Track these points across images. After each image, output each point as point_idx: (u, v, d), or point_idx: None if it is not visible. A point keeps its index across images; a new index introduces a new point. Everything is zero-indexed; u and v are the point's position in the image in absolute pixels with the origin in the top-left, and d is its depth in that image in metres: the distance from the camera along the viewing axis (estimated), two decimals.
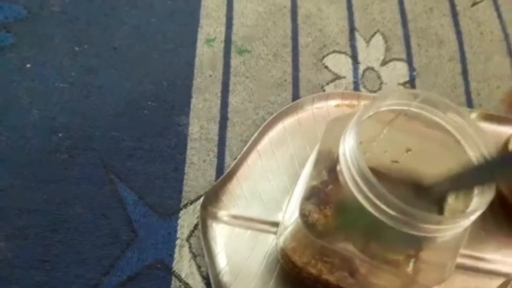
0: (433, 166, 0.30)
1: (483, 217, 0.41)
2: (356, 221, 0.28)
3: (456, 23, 0.54)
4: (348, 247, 0.28)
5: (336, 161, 0.26)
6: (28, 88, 0.41)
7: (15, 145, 0.38)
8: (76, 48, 0.44)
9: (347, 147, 0.25)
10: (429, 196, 0.26)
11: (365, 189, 0.24)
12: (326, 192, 0.30)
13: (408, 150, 0.31)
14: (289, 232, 0.33)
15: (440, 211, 0.29)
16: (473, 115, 0.45)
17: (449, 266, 0.28)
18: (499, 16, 0.55)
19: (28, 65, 0.42)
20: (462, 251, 0.39)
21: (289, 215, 0.35)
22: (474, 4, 0.56)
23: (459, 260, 0.38)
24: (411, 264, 0.29)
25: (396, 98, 0.27)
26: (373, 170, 0.24)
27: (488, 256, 0.40)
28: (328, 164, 0.29)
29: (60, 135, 0.39)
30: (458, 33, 0.53)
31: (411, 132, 0.29)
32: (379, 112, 0.27)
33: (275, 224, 0.38)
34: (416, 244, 0.28)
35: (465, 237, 0.27)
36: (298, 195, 0.32)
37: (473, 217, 0.24)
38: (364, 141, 0.31)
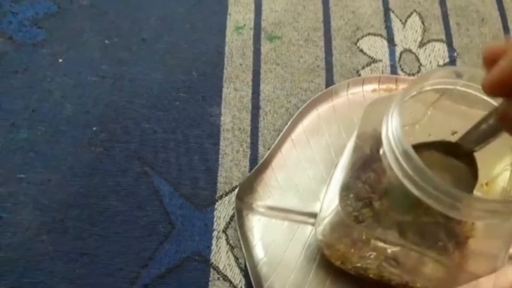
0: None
1: None
2: (401, 206, 0.27)
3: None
4: (389, 235, 0.28)
5: (377, 144, 0.26)
6: (61, 82, 0.42)
7: (51, 139, 0.40)
8: (106, 42, 0.45)
9: (390, 130, 0.24)
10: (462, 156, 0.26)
11: (410, 172, 0.23)
12: (367, 179, 0.30)
13: (454, 132, 0.30)
14: (328, 221, 0.33)
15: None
16: None
17: (502, 256, 0.27)
18: None
19: (60, 60, 0.43)
20: None
21: (327, 205, 0.35)
22: None
23: None
24: (458, 252, 0.28)
25: (440, 77, 0.26)
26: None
27: None
28: (368, 148, 0.29)
29: (94, 128, 0.40)
30: (501, 9, 0.51)
31: (455, 113, 0.29)
32: (422, 92, 0.27)
33: (313, 215, 0.38)
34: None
35: None
36: (336, 184, 0.32)
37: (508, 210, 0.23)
38: (407, 124, 0.30)
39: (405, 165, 0.23)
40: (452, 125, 0.30)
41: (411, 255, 0.31)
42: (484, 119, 0.24)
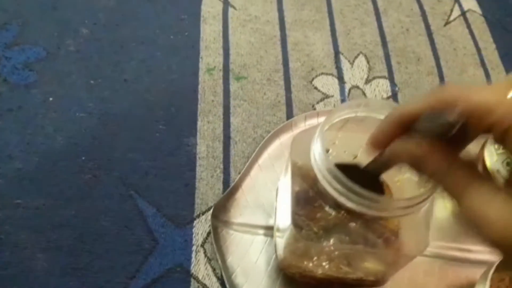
0: None
1: None
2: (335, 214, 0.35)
3: (432, 42, 0.63)
4: (336, 243, 0.35)
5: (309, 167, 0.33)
6: (52, 118, 0.49)
7: (45, 168, 0.46)
8: (92, 82, 0.52)
9: (315, 153, 0.31)
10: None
11: (331, 180, 0.30)
12: (309, 197, 0.36)
13: (354, 156, 0.38)
14: (285, 238, 0.39)
15: None
16: None
17: (426, 237, 0.34)
18: (471, 33, 0.65)
19: (51, 99, 0.50)
20: (453, 244, 0.46)
21: (279, 216, 0.42)
22: (446, 23, 0.65)
23: (451, 253, 0.46)
24: (392, 243, 0.35)
25: (344, 109, 0.34)
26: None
27: (475, 247, 0.47)
28: (303, 171, 0.36)
29: (83, 158, 0.47)
30: (434, 50, 0.62)
31: (362, 131, 0.35)
32: (334, 123, 0.34)
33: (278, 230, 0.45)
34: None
35: (431, 215, 0.34)
36: (283, 199, 0.39)
37: (418, 203, 0.30)
38: (327, 145, 0.38)
39: (326, 176, 0.30)
40: (360, 141, 0.37)
41: (358, 255, 0.38)
42: (375, 158, 0.29)
